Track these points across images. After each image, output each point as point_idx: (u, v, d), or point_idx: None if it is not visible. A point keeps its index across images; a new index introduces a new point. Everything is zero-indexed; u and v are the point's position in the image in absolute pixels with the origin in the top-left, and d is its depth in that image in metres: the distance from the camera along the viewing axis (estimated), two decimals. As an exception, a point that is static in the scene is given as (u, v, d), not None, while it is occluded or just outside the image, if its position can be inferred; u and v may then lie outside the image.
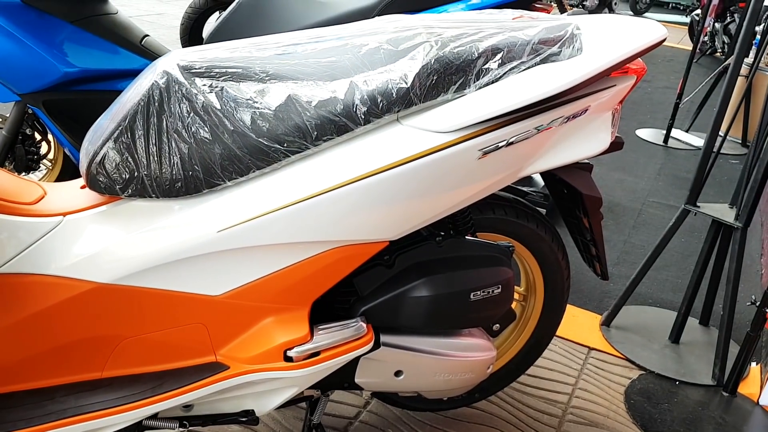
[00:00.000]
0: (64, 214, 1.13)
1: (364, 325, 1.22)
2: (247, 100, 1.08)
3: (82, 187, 1.20)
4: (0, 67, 1.97)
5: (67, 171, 2.33)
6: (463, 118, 1.11)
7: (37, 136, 2.27)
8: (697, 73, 6.69)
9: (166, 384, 1.17)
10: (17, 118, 2.12)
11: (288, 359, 1.17)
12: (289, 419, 1.66)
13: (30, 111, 2.14)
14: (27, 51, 1.93)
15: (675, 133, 4.70)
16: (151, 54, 2.11)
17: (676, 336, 2.18)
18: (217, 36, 2.07)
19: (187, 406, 1.24)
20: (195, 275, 1.14)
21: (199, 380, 1.17)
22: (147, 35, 2.17)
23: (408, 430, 1.68)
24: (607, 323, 2.24)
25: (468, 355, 1.36)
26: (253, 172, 1.09)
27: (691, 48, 4.56)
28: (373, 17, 2.05)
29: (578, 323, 2.24)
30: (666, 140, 4.57)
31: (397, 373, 1.32)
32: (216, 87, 1.09)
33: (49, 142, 2.29)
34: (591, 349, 2.11)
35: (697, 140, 4.65)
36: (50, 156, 2.34)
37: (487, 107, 1.12)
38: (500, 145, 1.15)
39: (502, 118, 1.14)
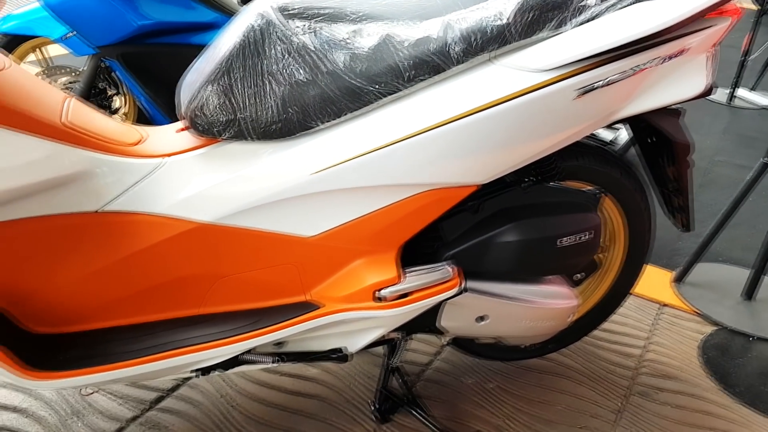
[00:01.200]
0: (165, 156, 1.16)
1: (452, 268, 1.23)
2: (342, 41, 1.08)
3: (179, 131, 1.23)
4: (77, 21, 2.02)
5: (140, 124, 2.39)
6: (560, 56, 1.09)
7: (110, 90, 2.33)
8: (761, 32, 6.37)
9: (261, 321, 1.21)
10: (92, 71, 2.17)
11: (378, 300, 1.20)
12: (363, 364, 1.70)
13: (104, 65, 2.19)
14: (104, 4, 1.97)
15: (740, 92, 4.51)
16: (223, 8, 2.12)
17: (749, 293, 2.13)
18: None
19: (279, 343, 1.29)
20: (289, 216, 1.16)
21: (292, 318, 1.20)
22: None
23: (480, 378, 1.70)
24: (679, 279, 2.21)
25: (551, 302, 1.36)
26: (346, 114, 1.10)
27: (755, 7, 4.34)
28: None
29: (649, 279, 2.21)
30: (731, 99, 4.40)
31: (481, 318, 1.33)
32: (311, 28, 1.09)
33: (122, 95, 2.35)
34: (663, 304, 2.09)
35: (763, 99, 4.46)
36: (123, 110, 2.40)
37: (586, 45, 1.09)
38: (597, 85, 1.13)
39: (600, 57, 1.11)
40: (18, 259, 1.11)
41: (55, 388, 1.12)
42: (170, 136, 1.22)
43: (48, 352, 1.14)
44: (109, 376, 1.13)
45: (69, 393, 1.49)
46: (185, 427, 1.45)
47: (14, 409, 1.44)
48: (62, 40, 2.12)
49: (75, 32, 2.07)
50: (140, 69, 2.09)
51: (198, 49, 2.11)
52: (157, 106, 2.16)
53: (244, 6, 1.15)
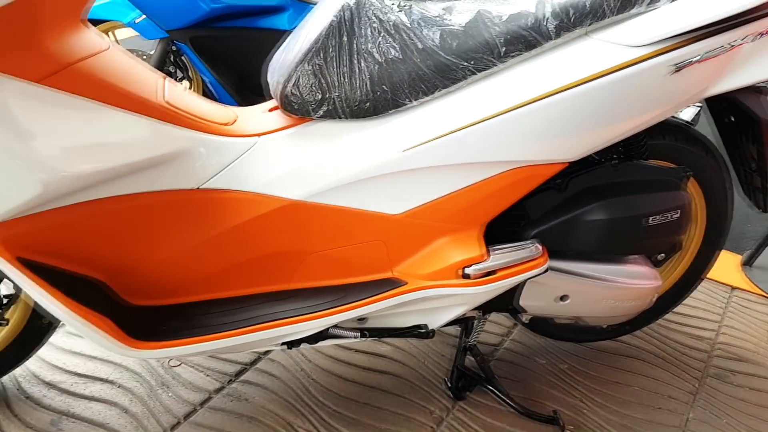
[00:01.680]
0: (258, 135, 1.19)
1: (540, 247, 1.23)
2: (435, 17, 1.09)
3: (270, 110, 1.26)
4: (149, 5, 2.07)
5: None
6: (656, 31, 1.07)
7: (178, 74, 2.38)
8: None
9: (349, 296, 1.23)
10: (162, 55, 2.22)
11: (464, 277, 1.21)
12: (433, 343, 1.71)
13: (173, 48, 2.24)
14: (176, -12, 2.01)
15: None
16: (289, -10, 2.14)
17: (823, 278, 2.08)
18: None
19: (361, 319, 1.31)
20: (378, 194, 1.18)
21: (378, 294, 1.23)
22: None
23: (552, 359, 1.70)
24: (747, 263, 2.16)
25: (634, 282, 1.35)
26: (439, 91, 1.11)
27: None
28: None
29: (718, 263, 2.16)
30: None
31: (562, 298, 1.33)
32: (405, 5, 1.10)
33: (190, 79, 2.40)
34: (734, 288, 2.05)
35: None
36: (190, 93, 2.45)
37: (682, 20, 1.07)
38: (693, 60, 1.11)
39: (696, 33, 1.09)
40: (120, 234, 1.15)
41: (157, 358, 1.17)
42: (261, 115, 1.25)
43: (148, 323, 1.19)
44: (207, 346, 1.17)
45: (155, 365, 1.55)
46: (267, 398, 1.49)
47: (104, 381, 1.50)
48: (133, 24, 2.18)
49: (146, 16, 2.12)
50: (209, 52, 2.13)
51: (266, 32, 2.15)
52: (225, 89, 2.20)
53: None
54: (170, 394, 1.48)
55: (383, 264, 1.25)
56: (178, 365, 1.57)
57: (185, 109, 1.15)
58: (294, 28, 2.15)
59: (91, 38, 1.08)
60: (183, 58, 2.28)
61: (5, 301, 1.25)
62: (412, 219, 1.20)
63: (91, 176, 1.04)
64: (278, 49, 1.25)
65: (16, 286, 1.26)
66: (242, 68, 2.18)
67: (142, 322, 1.18)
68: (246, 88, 2.21)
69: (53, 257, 1.10)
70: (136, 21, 2.16)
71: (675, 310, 1.91)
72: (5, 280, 1.27)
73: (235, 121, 1.23)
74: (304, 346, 1.29)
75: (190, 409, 1.45)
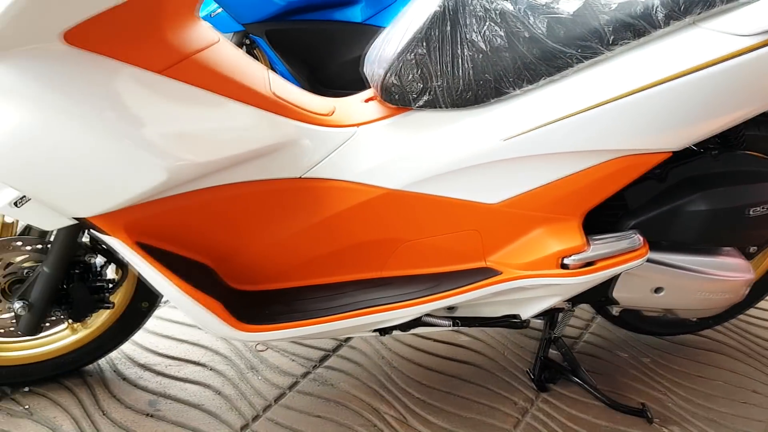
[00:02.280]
0: (357, 125, 1.21)
1: (641, 238, 1.22)
2: (543, 5, 1.09)
3: (367, 101, 1.28)
4: (228, -1, 2.11)
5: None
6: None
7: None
8: None
9: (442, 285, 1.25)
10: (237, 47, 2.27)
11: (563, 267, 1.21)
12: (511, 334, 1.72)
13: (247, 41, 2.28)
14: (255, -18, 2.05)
15: None
16: (360, -18, 2.16)
17: None
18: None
19: (451, 308, 1.32)
20: (475, 183, 1.19)
21: (473, 283, 1.24)
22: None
23: (634, 352, 1.69)
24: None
25: (728, 274, 1.33)
26: (544, 79, 1.11)
27: None
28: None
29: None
30: None
31: (657, 290, 1.32)
32: (510, -5, 1.10)
33: (262, 72, 2.44)
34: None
35: None
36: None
37: (797, 8, 1.05)
38: (806, 49, 1.08)
39: (811, 20, 1.07)
40: (225, 220, 1.19)
41: (261, 340, 1.21)
42: (359, 106, 1.27)
43: (250, 307, 1.22)
44: (307, 330, 1.21)
45: (243, 349, 1.60)
46: (352, 384, 1.52)
47: (196, 363, 1.55)
48: (209, 17, 2.23)
49: (223, 9, 2.17)
50: (283, 45, 2.17)
51: (339, 24, 2.18)
52: (298, 81, 2.23)
53: None
54: (259, 378, 1.52)
55: (477, 253, 1.26)
56: (265, 350, 1.61)
57: (290, 100, 1.18)
58: (366, 20, 2.19)
59: (204, 31, 1.11)
60: (256, 50, 2.33)
61: (110, 285, 1.31)
62: (509, 208, 1.20)
63: (208, 165, 1.07)
64: (376, 40, 1.26)
65: (123, 271, 1.32)
66: (315, 60, 2.21)
67: (245, 305, 1.22)
68: (317, 81, 2.24)
69: (166, 242, 1.14)
70: (212, 14, 2.21)
71: (758, 305, 1.87)
72: (111, 264, 1.32)
73: (333, 111, 1.25)
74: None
75: (279, 393, 1.49)
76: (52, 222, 1.12)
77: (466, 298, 1.24)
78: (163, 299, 1.47)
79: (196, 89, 1.05)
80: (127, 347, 1.57)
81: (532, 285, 1.23)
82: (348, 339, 1.66)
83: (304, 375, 1.54)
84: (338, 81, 2.20)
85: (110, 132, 0.97)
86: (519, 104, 1.12)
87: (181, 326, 1.65)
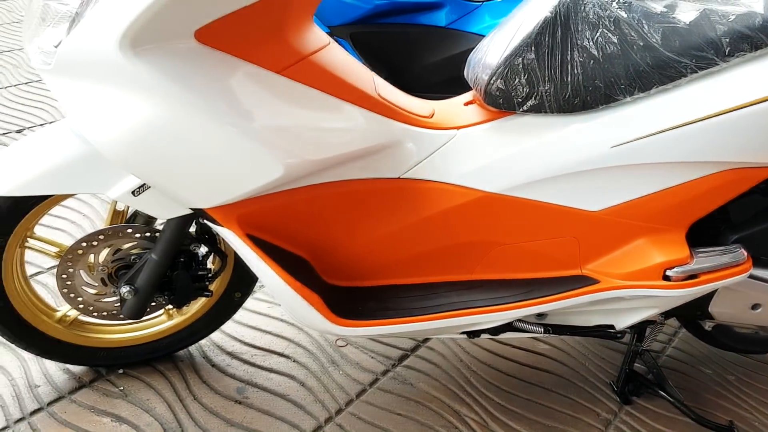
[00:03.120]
0: (458, 128, 1.23)
1: (745, 252, 1.19)
2: (658, 14, 1.08)
3: (467, 104, 1.29)
4: (314, 2, 2.15)
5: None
6: None
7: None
8: None
9: (536, 291, 1.25)
10: (319, 51, 2.31)
11: (665, 279, 1.19)
12: (592, 345, 1.70)
13: (330, 44, 2.32)
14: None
15: None
16: (449, -14, 2.17)
17: None
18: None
19: (541, 315, 1.32)
20: (577, 190, 1.18)
21: (568, 291, 1.23)
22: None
23: (719, 369, 1.64)
24: None
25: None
26: (655, 87, 1.10)
27: None
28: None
29: None
30: None
31: (754, 306, 1.29)
32: (625, 2, 1.09)
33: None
34: None
35: None
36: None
37: None
38: None
39: None
40: (326, 217, 1.22)
41: (356, 336, 1.23)
42: (459, 109, 1.28)
43: (345, 303, 1.25)
44: (399, 328, 1.22)
45: (324, 344, 1.63)
46: (431, 384, 1.53)
47: (281, 355, 1.59)
48: (294, 21, 2.28)
49: (308, 13, 2.21)
50: (368, 48, 2.20)
51: (423, 28, 2.19)
52: (379, 84, 2.26)
53: None
54: (340, 372, 1.55)
55: (573, 260, 1.25)
56: (345, 345, 1.64)
57: (394, 102, 1.21)
58: (450, 24, 2.20)
59: (317, 33, 1.15)
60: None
61: (210, 275, 1.36)
62: (611, 216, 1.19)
63: (320, 163, 1.10)
64: (480, 44, 1.27)
65: (223, 261, 1.37)
66: (397, 63, 2.23)
67: (340, 301, 1.25)
68: (399, 83, 2.26)
69: (271, 235, 1.18)
70: (298, 17, 2.25)
71: None
72: (213, 255, 1.38)
73: (433, 113, 1.27)
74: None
75: (360, 389, 1.51)
76: (167, 211, 1.17)
77: (561, 306, 1.24)
78: (255, 289, 1.52)
79: (311, 89, 1.08)
80: (215, 335, 1.62)
81: (631, 296, 1.22)
82: (426, 340, 1.68)
83: (384, 373, 1.57)
84: (420, 83, 2.22)
85: (234, 127, 1.01)
86: (629, 112, 1.11)
87: (265, 318, 1.70)
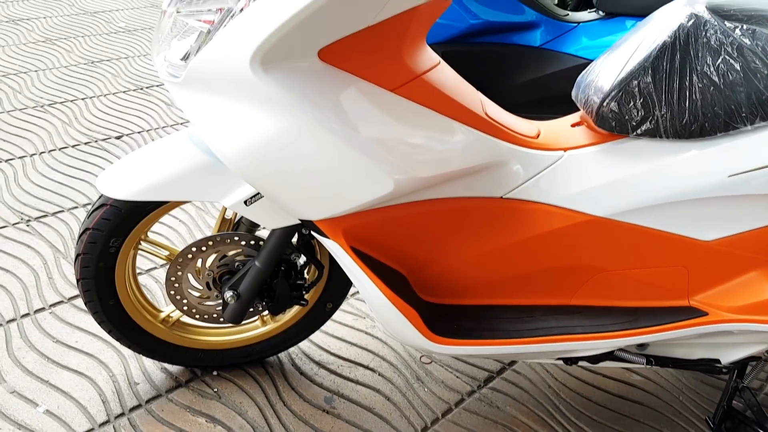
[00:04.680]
0: (565, 149, 1.21)
1: None
2: (786, 41, 1.04)
3: (573, 125, 1.27)
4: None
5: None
6: None
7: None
8: None
9: (641, 320, 1.21)
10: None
11: (780, 315, 1.14)
12: (686, 378, 1.63)
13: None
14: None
15: None
16: (543, 8, 2.16)
17: None
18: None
19: (641, 345, 1.28)
20: (690, 218, 1.15)
21: (676, 322, 1.19)
22: (537, -10, 2.22)
23: (827, 414, 1.54)
24: None
25: None
26: (780, 117, 1.06)
27: None
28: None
29: None
30: None
31: None
32: (748, 29, 1.06)
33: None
34: None
35: None
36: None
37: None
38: None
39: None
40: (426, 233, 1.23)
41: (451, 355, 1.23)
42: (566, 130, 1.27)
43: (441, 320, 1.25)
44: (495, 350, 1.21)
45: (408, 359, 1.63)
46: (518, 409, 1.51)
47: (366, 367, 1.60)
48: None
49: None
50: (460, 66, 2.19)
51: (517, 48, 2.19)
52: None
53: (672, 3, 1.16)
54: (425, 390, 1.55)
55: (681, 291, 1.21)
56: (430, 363, 1.63)
57: (501, 122, 1.21)
58: (544, 44, 2.19)
59: (429, 53, 1.16)
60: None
61: (308, 284, 1.39)
62: (724, 247, 1.15)
63: (428, 180, 1.12)
64: (590, 66, 1.26)
65: (319, 272, 1.39)
66: (490, 81, 2.23)
67: (436, 317, 1.25)
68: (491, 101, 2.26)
69: (372, 248, 1.20)
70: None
71: None
72: (310, 265, 1.41)
73: (539, 134, 1.26)
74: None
75: (446, 408, 1.50)
76: (275, 221, 1.21)
77: (666, 337, 1.20)
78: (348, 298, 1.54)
79: (423, 108, 1.09)
80: (303, 344, 1.65)
81: (741, 330, 1.17)
82: (512, 362, 1.65)
83: (470, 393, 1.55)
84: (512, 102, 2.21)
85: (350, 142, 1.03)
86: (749, 141, 1.07)
87: (351, 329, 1.72)
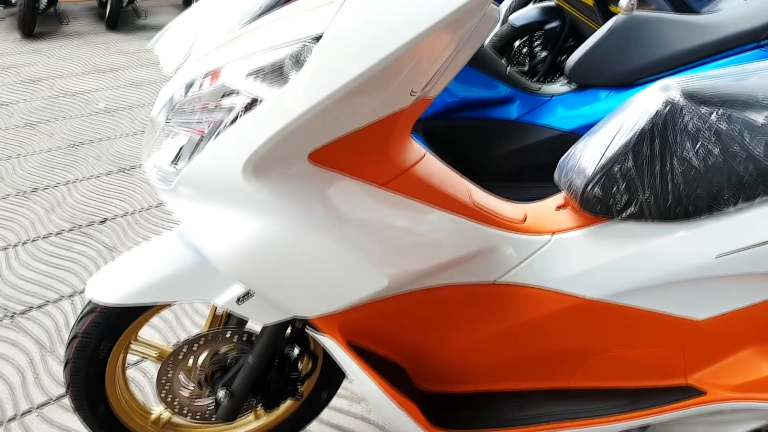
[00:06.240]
0: (552, 233, 1.23)
1: None
2: (759, 126, 1.08)
3: (559, 208, 1.30)
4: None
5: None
6: None
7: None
8: None
9: (642, 402, 1.20)
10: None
11: (777, 391, 1.14)
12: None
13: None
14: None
15: None
16: (516, 83, 2.24)
17: None
18: (587, 62, 2.12)
19: (643, 427, 1.27)
20: (680, 298, 1.16)
21: (674, 402, 1.19)
22: (509, 65, 2.30)
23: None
24: None
25: None
26: (760, 198, 1.09)
27: None
28: (761, 39, 1.94)
29: None
30: None
31: None
32: (724, 114, 1.10)
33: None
34: None
35: None
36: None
37: None
38: None
39: None
40: (422, 322, 1.23)
41: (454, 447, 1.20)
42: (552, 213, 1.29)
43: (440, 410, 1.23)
44: (498, 440, 1.19)
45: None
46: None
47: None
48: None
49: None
50: (440, 141, 2.26)
51: (494, 121, 2.24)
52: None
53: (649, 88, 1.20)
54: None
55: (678, 370, 1.21)
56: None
57: (488, 208, 1.22)
58: (520, 117, 2.25)
59: (415, 147, 1.19)
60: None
61: (302, 376, 1.36)
62: (717, 325, 1.16)
63: (422, 272, 1.12)
64: (572, 149, 1.29)
65: (314, 363, 1.37)
66: (468, 154, 2.28)
67: (435, 408, 1.23)
68: (469, 173, 2.30)
69: (369, 341, 1.19)
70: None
71: None
72: (304, 358, 1.38)
73: (526, 218, 1.28)
74: None
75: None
76: (269, 318, 1.19)
77: (667, 418, 1.19)
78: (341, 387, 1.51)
79: (413, 201, 1.11)
80: (298, 435, 1.61)
81: (740, 408, 1.17)
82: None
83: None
84: (494, 172, 2.26)
85: (343, 240, 1.04)
86: (734, 221, 1.10)
87: (347, 416, 1.68)
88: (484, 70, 2.20)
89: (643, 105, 1.17)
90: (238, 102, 0.97)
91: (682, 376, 1.21)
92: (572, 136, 2.12)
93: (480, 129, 2.24)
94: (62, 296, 2.13)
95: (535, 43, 3.44)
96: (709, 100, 1.12)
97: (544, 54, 3.38)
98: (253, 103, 0.96)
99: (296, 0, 0.96)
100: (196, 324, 2.03)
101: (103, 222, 2.65)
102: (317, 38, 0.91)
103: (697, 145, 1.10)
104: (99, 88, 4.36)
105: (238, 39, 0.98)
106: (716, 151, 1.09)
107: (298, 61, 0.93)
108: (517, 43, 3.65)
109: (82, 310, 1.25)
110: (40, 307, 2.07)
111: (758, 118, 1.08)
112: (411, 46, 0.89)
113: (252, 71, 0.96)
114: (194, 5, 1.12)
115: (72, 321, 2.02)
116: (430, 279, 1.18)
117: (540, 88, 2.27)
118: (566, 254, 1.21)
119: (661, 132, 1.13)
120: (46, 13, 5.77)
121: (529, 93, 2.24)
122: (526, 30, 3.46)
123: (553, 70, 3.29)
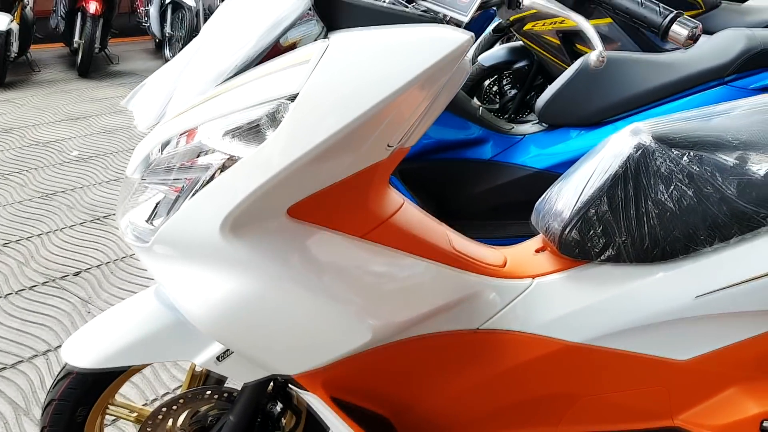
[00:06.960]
0: (533, 276, 1.23)
1: None
2: (731, 167, 1.10)
3: (538, 251, 1.30)
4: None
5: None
6: None
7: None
8: None
9: (629, 445, 1.19)
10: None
11: (762, 431, 1.14)
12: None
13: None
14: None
15: None
16: (488, 124, 2.27)
17: None
18: (556, 102, 2.16)
19: (629, 468, 1.26)
20: (663, 339, 1.16)
21: (662, 444, 1.18)
22: (480, 106, 2.34)
23: None
24: None
25: None
26: (735, 237, 1.10)
27: None
28: (726, 76, 2.00)
29: None
30: None
31: None
32: (696, 156, 1.13)
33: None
34: None
35: None
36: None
37: None
38: None
39: None
40: (406, 373, 1.21)
41: (444, 502, 1.18)
42: (531, 256, 1.29)
43: (427, 463, 1.21)
44: (489, 492, 1.17)
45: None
46: None
47: None
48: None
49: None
50: (416, 182, 2.27)
51: (468, 162, 2.27)
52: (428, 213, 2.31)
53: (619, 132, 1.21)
54: None
55: (664, 411, 1.21)
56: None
57: (469, 254, 1.22)
58: (494, 157, 2.28)
59: (393, 196, 1.19)
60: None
61: (285, 432, 1.33)
62: (700, 365, 1.16)
63: (405, 323, 1.11)
64: (547, 193, 1.30)
65: (297, 418, 1.34)
66: (444, 194, 2.29)
67: (423, 462, 1.21)
68: (445, 212, 2.31)
69: (353, 395, 1.17)
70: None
71: None
72: (287, 414, 1.35)
73: (505, 262, 1.28)
74: None
75: None
76: (250, 375, 1.17)
77: (655, 460, 1.18)
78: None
79: (393, 251, 1.10)
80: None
81: (728, 448, 1.16)
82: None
83: None
84: (467, 212, 2.27)
85: (323, 295, 1.02)
86: (711, 261, 1.11)
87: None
88: (457, 112, 2.23)
89: (614, 149, 1.19)
90: (215, 161, 0.96)
91: (669, 417, 1.21)
92: (546, 175, 2.14)
93: (456, 169, 2.26)
94: (36, 353, 2.07)
95: (504, 82, 3.51)
96: (679, 143, 1.14)
97: (513, 92, 3.44)
98: (229, 162, 0.95)
99: (271, 60, 0.96)
100: (175, 378, 1.98)
101: (77, 274, 2.59)
102: (293, 97, 0.91)
103: (671, 188, 1.12)
104: (71, 136, 4.32)
105: (213, 98, 0.98)
106: (690, 192, 1.11)
107: (274, 119, 0.93)
108: (486, 83, 3.73)
109: (58, 374, 1.21)
110: (14, 365, 2.01)
111: (728, 159, 1.11)
112: (386, 103, 0.90)
113: (228, 130, 0.95)
114: (168, 63, 1.12)
115: (48, 379, 1.96)
116: (414, 329, 1.16)
117: (512, 128, 2.31)
118: (547, 298, 1.21)
119: (634, 175, 1.14)
120: (18, 61, 5.74)
121: (501, 133, 2.27)
122: (495, 69, 3.54)
123: (523, 108, 3.35)
